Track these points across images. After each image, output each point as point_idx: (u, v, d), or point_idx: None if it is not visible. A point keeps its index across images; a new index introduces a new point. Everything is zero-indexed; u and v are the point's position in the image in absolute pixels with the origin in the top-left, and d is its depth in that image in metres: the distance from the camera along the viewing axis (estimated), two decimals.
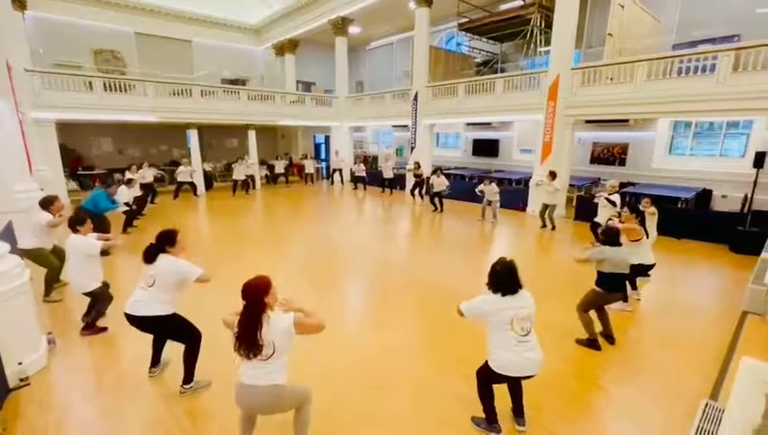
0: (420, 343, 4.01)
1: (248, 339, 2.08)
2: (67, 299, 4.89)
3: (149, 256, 2.99)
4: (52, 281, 4.94)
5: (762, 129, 9.26)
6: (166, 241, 3.04)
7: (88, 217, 4.11)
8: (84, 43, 14.90)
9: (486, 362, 2.59)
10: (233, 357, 2.21)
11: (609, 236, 3.75)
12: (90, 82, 11.39)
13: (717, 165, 10.11)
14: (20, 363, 3.17)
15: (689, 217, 8.09)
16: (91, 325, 4.05)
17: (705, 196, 9.79)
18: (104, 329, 4.07)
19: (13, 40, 9.83)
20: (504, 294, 2.47)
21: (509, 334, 2.43)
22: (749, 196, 7.96)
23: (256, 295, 2.14)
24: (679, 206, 8.91)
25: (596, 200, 7.08)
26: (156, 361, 3.36)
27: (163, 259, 2.98)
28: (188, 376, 3.14)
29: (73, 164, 13.89)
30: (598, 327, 3.87)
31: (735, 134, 10.06)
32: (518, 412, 2.72)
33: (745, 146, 9.79)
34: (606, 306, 3.90)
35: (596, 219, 7.01)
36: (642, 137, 11.25)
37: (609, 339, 3.87)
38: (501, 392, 2.70)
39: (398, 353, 3.74)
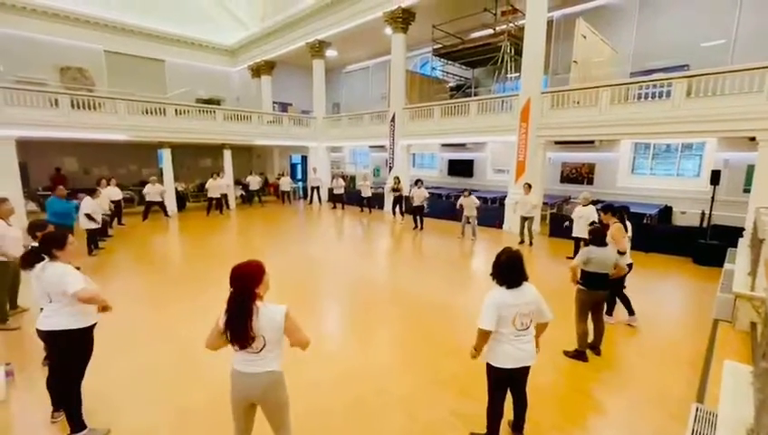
0: (412, 360, 3.93)
1: (239, 329, 1.90)
2: (26, 327, 4.51)
3: (29, 260, 2.57)
4: (3, 304, 4.54)
5: (713, 150, 10.04)
6: (53, 243, 2.59)
7: (50, 226, 3.55)
8: (49, 60, 14.39)
9: (487, 365, 2.54)
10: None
11: (596, 237, 3.91)
12: (56, 99, 10.93)
13: (675, 184, 10.83)
14: None
15: (656, 232, 8.54)
16: None
17: (666, 212, 10.42)
18: None
19: None
20: (508, 287, 2.43)
21: (508, 329, 2.42)
22: (706, 212, 8.53)
23: (246, 283, 1.95)
24: (644, 222, 9.41)
25: (573, 215, 7.28)
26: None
27: (50, 268, 2.56)
28: (74, 423, 2.63)
29: (58, 183, 13.10)
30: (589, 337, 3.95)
31: (690, 155, 10.85)
32: (517, 427, 2.69)
33: (699, 166, 10.57)
34: (607, 320, 3.98)
35: (574, 234, 7.21)
36: (607, 157, 11.92)
37: (595, 350, 3.95)
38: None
39: (389, 372, 3.66)
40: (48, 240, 2.64)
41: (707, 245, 7.42)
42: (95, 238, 8.00)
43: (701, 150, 10.52)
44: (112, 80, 15.77)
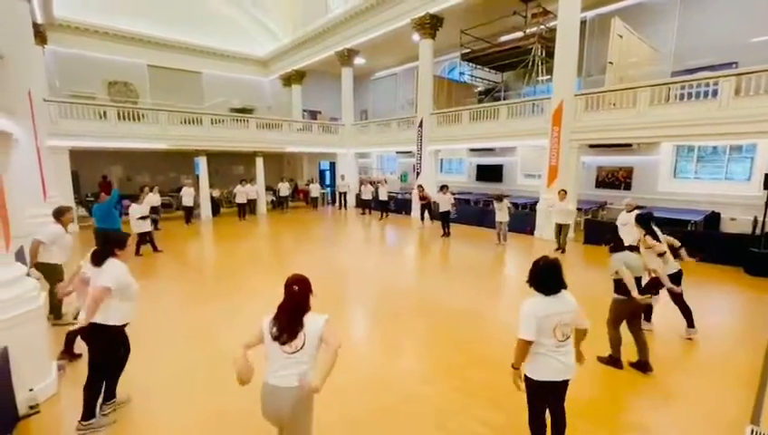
0: (442, 368, 3.85)
1: (291, 321, 2.03)
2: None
3: (98, 258, 2.93)
4: (57, 302, 4.83)
5: (766, 152, 9.35)
6: (115, 244, 2.96)
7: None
8: (98, 75, 15.46)
9: (526, 379, 2.43)
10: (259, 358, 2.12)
11: (615, 243, 3.80)
12: (104, 112, 11.72)
13: (723, 188, 10.14)
14: (31, 390, 3.07)
15: (701, 240, 8.01)
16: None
17: (713, 218, 9.77)
18: None
19: (33, 72, 10.19)
20: (546, 294, 2.35)
21: (549, 341, 2.33)
22: (759, 218, 7.92)
23: (304, 288, 2.09)
24: (689, 228, 8.87)
25: (618, 222, 6.87)
26: (110, 395, 3.04)
27: (109, 264, 2.89)
28: (86, 411, 2.84)
29: (104, 190, 13.94)
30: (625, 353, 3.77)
31: (739, 158, 10.15)
32: None
33: (750, 169, 9.86)
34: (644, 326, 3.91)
35: None
36: (646, 161, 11.36)
37: (646, 367, 3.68)
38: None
39: (419, 380, 3.62)
40: (111, 241, 2.99)
41: (761, 254, 6.88)
42: (145, 241, 8.46)
43: (752, 152, 9.82)
44: (154, 92, 16.72)
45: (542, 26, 11.71)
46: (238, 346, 2.09)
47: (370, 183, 16.15)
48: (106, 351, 2.91)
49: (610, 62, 9.61)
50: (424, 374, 3.72)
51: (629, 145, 10.92)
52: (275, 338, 2.04)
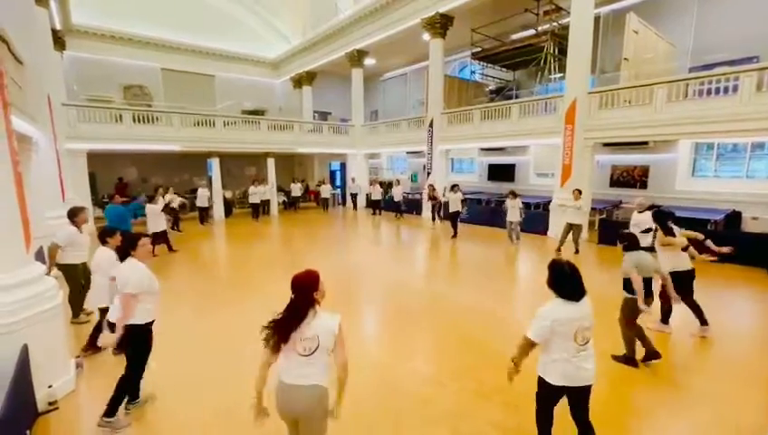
0: (455, 371, 3.80)
1: (291, 325, 2.01)
2: (93, 321, 4.91)
3: (121, 254, 3.12)
4: (77, 301, 4.94)
5: None
6: (128, 244, 3.11)
7: (118, 231, 3.98)
8: (114, 80, 15.81)
9: (540, 379, 2.39)
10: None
11: (630, 242, 3.75)
12: (120, 115, 11.97)
13: (745, 186, 9.84)
14: (50, 386, 3.14)
15: (721, 240, 7.74)
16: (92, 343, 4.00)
17: (734, 218, 9.48)
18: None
19: (52, 78, 10.46)
20: (569, 299, 2.29)
21: (570, 345, 2.26)
22: None
23: (306, 289, 2.09)
24: (709, 228, 8.61)
25: (631, 223, 6.71)
26: (134, 395, 3.14)
27: (125, 263, 3.02)
28: (110, 407, 2.90)
29: (120, 192, 14.28)
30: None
31: (762, 155, 9.84)
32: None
33: None
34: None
35: None
36: (663, 159, 11.09)
37: (656, 355, 3.70)
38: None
39: (433, 382, 3.59)
40: (125, 242, 3.13)
41: None
42: (160, 241, 8.52)
43: None
44: (168, 95, 17.02)
45: (555, 23, 11.55)
46: (257, 368, 2.03)
47: (380, 184, 16.15)
48: (136, 349, 2.99)
49: (625, 59, 9.42)
50: (437, 376, 3.69)
51: (646, 143, 10.68)
52: (278, 343, 2.03)
